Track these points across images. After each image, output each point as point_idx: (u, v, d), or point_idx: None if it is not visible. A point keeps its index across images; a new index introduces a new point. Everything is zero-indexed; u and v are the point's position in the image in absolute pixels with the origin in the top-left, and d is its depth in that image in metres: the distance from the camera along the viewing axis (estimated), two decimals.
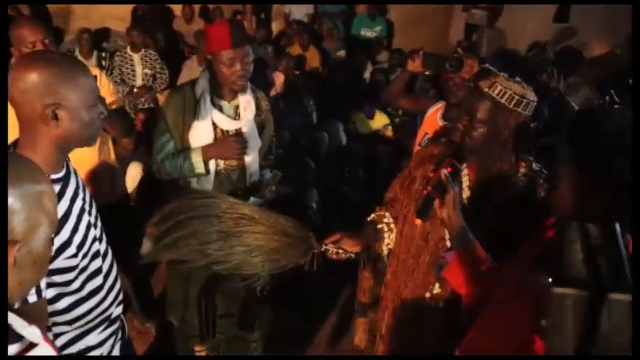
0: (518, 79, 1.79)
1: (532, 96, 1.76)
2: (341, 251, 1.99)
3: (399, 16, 8.66)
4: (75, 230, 1.56)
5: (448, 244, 1.86)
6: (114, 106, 2.91)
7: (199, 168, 2.43)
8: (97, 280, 1.68)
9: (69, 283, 1.58)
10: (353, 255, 2.02)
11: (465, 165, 1.89)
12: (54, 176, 1.53)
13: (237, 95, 2.51)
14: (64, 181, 1.57)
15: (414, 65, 3.00)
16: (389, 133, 5.65)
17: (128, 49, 5.94)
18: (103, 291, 1.70)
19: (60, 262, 1.52)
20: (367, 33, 8.05)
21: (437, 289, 1.92)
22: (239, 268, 1.85)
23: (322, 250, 1.97)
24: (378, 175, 4.94)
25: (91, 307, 1.66)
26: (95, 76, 2.55)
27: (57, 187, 1.54)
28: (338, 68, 6.82)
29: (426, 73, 4.17)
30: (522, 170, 1.87)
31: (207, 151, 2.44)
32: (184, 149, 2.46)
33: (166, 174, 2.49)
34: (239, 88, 2.44)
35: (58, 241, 1.50)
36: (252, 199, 2.50)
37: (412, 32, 8.38)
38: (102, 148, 2.87)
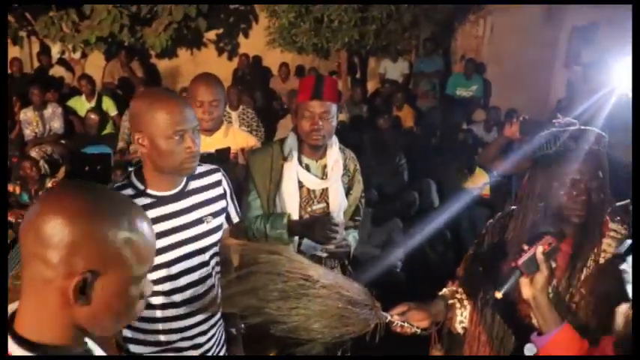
0: None
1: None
2: (406, 325, 1.81)
3: (496, 74, 8.49)
4: None
5: (534, 321, 1.68)
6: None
7: (284, 239, 2.35)
8: None
9: None
10: (419, 330, 1.83)
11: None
12: (160, 194, 1.85)
13: (325, 154, 2.46)
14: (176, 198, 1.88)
15: (511, 131, 2.92)
16: (486, 192, 5.43)
17: (227, 107, 6.19)
18: None
19: None
20: (463, 92, 7.95)
21: None
22: (296, 331, 1.69)
23: (387, 321, 1.80)
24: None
25: None
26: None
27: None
28: (433, 127, 6.75)
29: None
30: (611, 233, 1.67)
31: (295, 227, 2.38)
32: (272, 215, 2.42)
33: (252, 235, 2.44)
34: (313, 143, 2.36)
35: None
36: (305, 241, 2.42)
37: (509, 91, 8.18)
38: None
